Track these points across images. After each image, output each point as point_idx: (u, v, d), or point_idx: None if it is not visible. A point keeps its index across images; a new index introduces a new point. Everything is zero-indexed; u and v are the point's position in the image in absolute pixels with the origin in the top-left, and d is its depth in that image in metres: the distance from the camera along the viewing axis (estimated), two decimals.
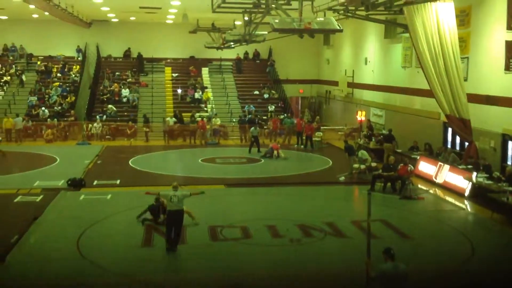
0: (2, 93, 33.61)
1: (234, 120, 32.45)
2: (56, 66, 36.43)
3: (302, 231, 13.79)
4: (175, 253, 12.18)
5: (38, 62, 36.13)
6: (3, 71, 35.46)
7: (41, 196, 17.05)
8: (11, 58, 36.50)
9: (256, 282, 10.77)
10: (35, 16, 32.53)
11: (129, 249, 12.62)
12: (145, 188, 18.57)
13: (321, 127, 30.16)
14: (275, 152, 24.68)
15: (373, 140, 24.89)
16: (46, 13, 25.21)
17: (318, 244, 13.03)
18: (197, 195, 13.19)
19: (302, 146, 27.93)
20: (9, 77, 34.89)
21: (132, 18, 35.01)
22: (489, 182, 16.71)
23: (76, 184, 18.47)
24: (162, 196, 12.96)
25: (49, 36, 36.79)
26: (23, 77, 34.80)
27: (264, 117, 32.55)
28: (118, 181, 19.55)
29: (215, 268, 11.51)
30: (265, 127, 30.89)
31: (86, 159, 23.51)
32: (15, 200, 16.68)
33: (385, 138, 24.12)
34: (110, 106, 32.53)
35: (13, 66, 35.86)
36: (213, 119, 30.91)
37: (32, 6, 22.39)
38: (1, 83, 34.24)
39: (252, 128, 26.89)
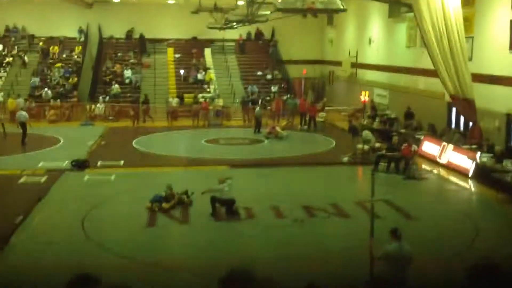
0: (5, 74, 33.51)
1: (237, 100, 32.33)
2: (57, 46, 36.22)
3: (306, 211, 13.82)
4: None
5: (40, 43, 35.97)
6: (5, 52, 35.33)
7: (45, 177, 17.09)
8: (12, 39, 36.31)
9: (258, 262, 10.81)
10: None
11: (134, 230, 12.69)
12: (149, 168, 18.79)
13: (325, 108, 30.03)
14: (281, 131, 24.79)
15: (377, 120, 24.81)
16: None
17: (321, 225, 13.07)
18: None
19: (305, 127, 27.84)
20: (11, 58, 34.76)
21: None
22: (493, 162, 16.67)
23: (80, 165, 18.49)
24: (215, 191, 13.47)
25: (50, 17, 36.50)
26: (25, 58, 34.68)
27: (267, 98, 32.41)
28: (122, 162, 19.57)
29: (217, 248, 11.58)
30: (268, 107, 30.78)
31: (89, 140, 23.52)
32: (20, 181, 16.72)
33: (406, 116, 24.04)
34: (116, 86, 32.48)
35: (15, 47, 35.71)
36: (216, 100, 30.81)
37: None
38: (4, 64, 34.13)
39: (257, 108, 26.89)
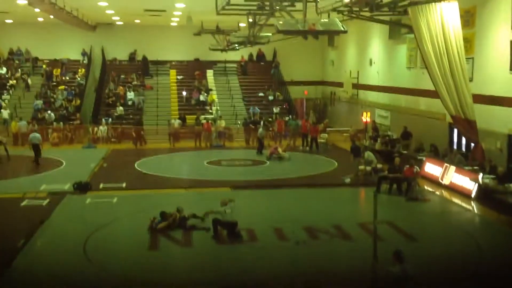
0: (8, 96, 33.71)
1: (239, 122, 32.43)
2: (59, 69, 36.43)
3: (309, 233, 13.77)
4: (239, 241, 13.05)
5: (44, 66, 36.22)
6: (9, 74, 35.56)
7: (48, 200, 17.10)
8: (16, 62, 36.59)
9: (261, 284, 10.77)
10: (40, 19, 32.61)
11: (136, 253, 12.66)
12: (152, 190, 18.80)
13: (327, 129, 30.11)
14: (283, 153, 24.84)
15: (379, 141, 24.84)
16: (51, 17, 25.28)
17: (324, 247, 13.01)
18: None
19: (307, 148, 27.91)
20: (15, 81, 34.99)
21: (137, 21, 35.06)
22: (495, 183, 16.65)
23: (82, 188, 18.51)
24: (216, 213, 13.44)
25: (54, 40, 36.83)
26: (29, 81, 34.90)
27: (269, 119, 32.51)
28: (124, 184, 19.58)
29: (220, 271, 11.52)
30: (270, 128, 30.89)
31: (92, 162, 23.57)
32: (22, 204, 16.72)
33: (403, 136, 24.25)
34: (121, 108, 32.69)
35: (19, 69, 35.97)
36: (218, 121, 30.94)
37: (37, 10, 22.47)
38: (7, 87, 34.35)
39: (260, 129, 27.01)
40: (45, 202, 16.87)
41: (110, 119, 31.56)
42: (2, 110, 31.89)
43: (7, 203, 17.11)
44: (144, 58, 37.50)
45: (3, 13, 30.10)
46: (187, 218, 14.18)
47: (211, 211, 13.71)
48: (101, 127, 30.39)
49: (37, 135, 23.94)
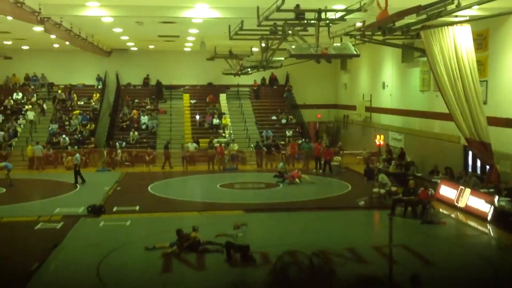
0: (24, 121, 34.12)
1: (252, 145, 32.47)
2: (65, 92, 36.82)
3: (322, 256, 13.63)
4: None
5: (59, 91, 36.65)
6: (25, 100, 36.05)
7: (61, 223, 17.16)
8: (32, 87, 37.09)
9: None
10: (56, 46, 33.12)
11: (149, 276, 12.62)
12: (165, 213, 18.82)
13: (341, 152, 30.01)
14: (297, 180, 24.50)
15: (393, 164, 24.71)
16: (67, 43, 25.69)
17: (338, 270, 12.85)
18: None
19: (320, 171, 27.84)
20: (30, 106, 35.43)
21: (151, 47, 35.49)
22: (511, 206, 16.45)
23: (95, 211, 18.57)
24: (228, 236, 13.77)
25: (69, 65, 37.34)
26: (44, 106, 35.33)
27: (282, 142, 32.52)
28: (137, 207, 19.61)
29: None
30: (283, 152, 30.87)
31: (105, 186, 23.67)
32: (36, 228, 16.79)
33: (399, 156, 25.16)
34: (136, 133, 32.94)
35: (34, 95, 36.44)
36: (231, 145, 31.02)
37: (53, 36, 22.83)
38: (23, 112, 34.80)
39: (280, 164, 26.68)
40: (59, 226, 16.93)
41: (124, 143, 31.74)
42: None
43: (22, 226, 17.20)
44: (158, 82, 37.88)
45: (19, 40, 30.64)
46: (201, 244, 14.11)
47: (223, 233, 13.70)
48: (118, 150, 30.49)
49: (78, 155, 25.41)
